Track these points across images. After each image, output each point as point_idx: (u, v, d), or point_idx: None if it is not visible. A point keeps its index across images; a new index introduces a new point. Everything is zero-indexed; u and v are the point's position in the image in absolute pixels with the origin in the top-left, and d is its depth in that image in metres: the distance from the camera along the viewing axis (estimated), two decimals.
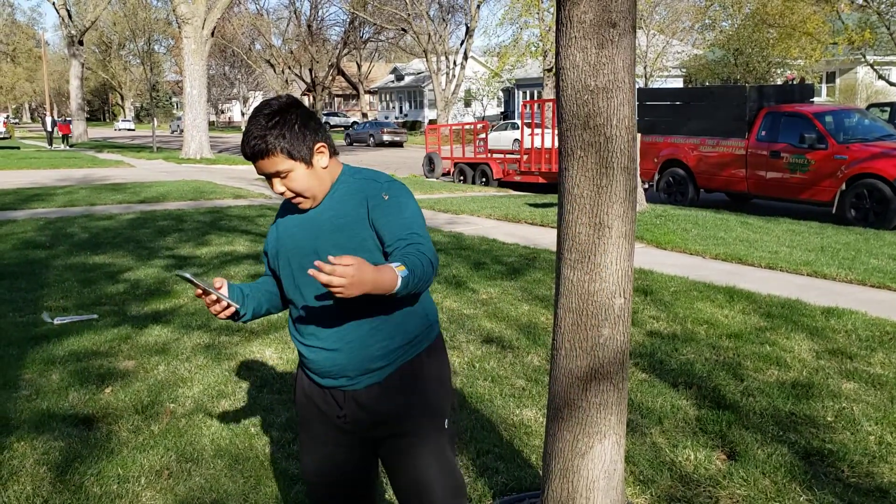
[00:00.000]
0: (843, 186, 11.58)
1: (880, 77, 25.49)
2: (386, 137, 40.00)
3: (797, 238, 9.62)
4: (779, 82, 30.11)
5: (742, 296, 6.63)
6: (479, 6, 35.14)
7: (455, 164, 19.77)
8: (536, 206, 13.15)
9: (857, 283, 7.17)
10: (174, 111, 77.27)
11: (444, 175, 20.45)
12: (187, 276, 2.06)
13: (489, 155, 19.89)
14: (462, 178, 19.35)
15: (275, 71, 54.73)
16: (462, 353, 5.14)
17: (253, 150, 2.12)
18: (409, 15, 36.73)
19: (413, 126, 53.72)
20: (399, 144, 40.21)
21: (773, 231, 10.24)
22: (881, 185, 11.09)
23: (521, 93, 46.81)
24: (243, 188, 16.48)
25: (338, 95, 74.85)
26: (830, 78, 36.47)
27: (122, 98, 78.95)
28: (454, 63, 38.79)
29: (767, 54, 29.90)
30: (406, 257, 2.03)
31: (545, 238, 9.90)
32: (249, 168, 23.78)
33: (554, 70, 2.51)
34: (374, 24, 47.87)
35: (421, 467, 2.28)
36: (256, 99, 72.49)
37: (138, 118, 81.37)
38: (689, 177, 14.06)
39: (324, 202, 2.23)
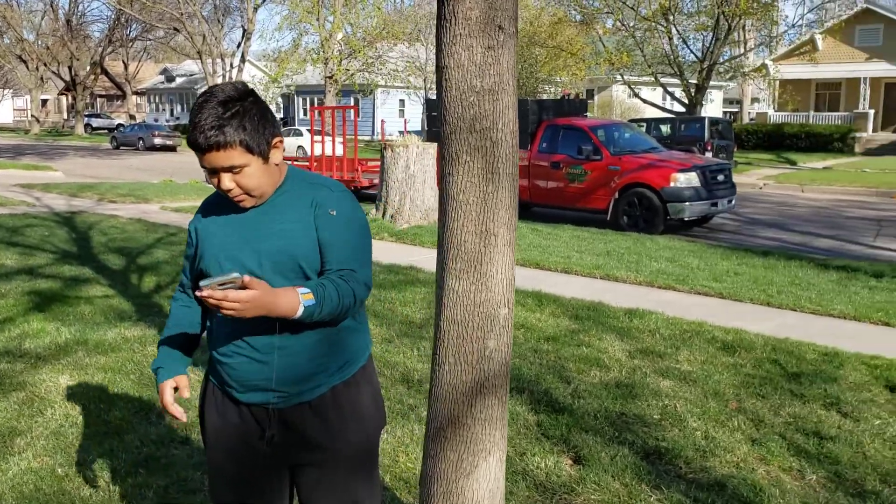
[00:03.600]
0: (617, 195, 12.48)
1: (635, 95, 27.96)
2: (157, 141, 37.50)
3: (584, 243, 10.19)
4: (546, 97, 32.12)
5: (549, 299, 6.85)
6: (255, 9, 34.12)
7: None
8: None
9: (647, 285, 7.69)
10: None
11: None
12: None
13: None
14: None
15: (28, 67, 49.89)
16: None
17: (209, 142, 1.85)
18: (181, 14, 34.95)
19: (186, 130, 51.18)
20: (172, 149, 37.92)
21: (561, 237, 10.78)
22: (650, 193, 12.08)
23: (300, 99, 46.14)
24: (2, 195, 14.71)
25: (101, 96, 69.57)
26: (590, 94, 39.66)
27: None
28: (230, 66, 37.46)
29: (535, 71, 31.78)
30: (323, 287, 1.92)
31: None
32: (5, 172, 21.35)
33: (434, 69, 2.36)
34: (143, 23, 45.09)
35: (352, 494, 2.12)
36: (6, 98, 65.60)
37: None
38: None
39: (268, 202, 2.03)
